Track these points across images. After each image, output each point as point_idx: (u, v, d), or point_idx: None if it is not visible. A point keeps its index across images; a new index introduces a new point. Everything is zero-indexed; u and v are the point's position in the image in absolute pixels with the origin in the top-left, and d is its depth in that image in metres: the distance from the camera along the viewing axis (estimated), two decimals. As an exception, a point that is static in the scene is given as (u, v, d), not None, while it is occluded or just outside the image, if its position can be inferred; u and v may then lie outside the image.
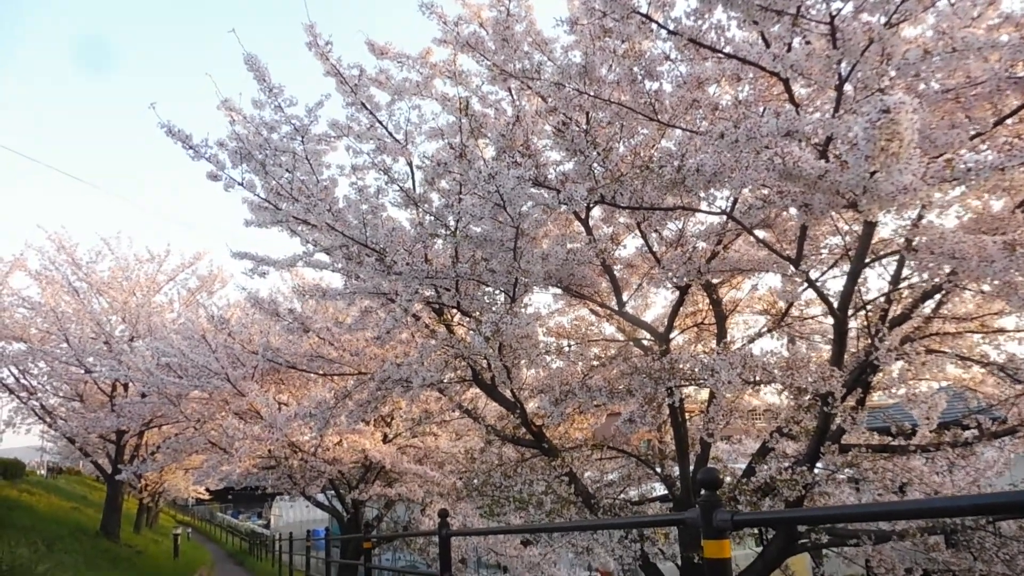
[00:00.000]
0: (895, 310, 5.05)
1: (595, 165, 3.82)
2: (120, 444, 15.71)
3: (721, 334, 6.27)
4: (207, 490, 28.76)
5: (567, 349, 5.85)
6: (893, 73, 3.08)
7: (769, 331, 6.41)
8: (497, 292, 4.85)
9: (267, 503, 42.64)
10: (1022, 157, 2.68)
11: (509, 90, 5.42)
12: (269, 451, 12.17)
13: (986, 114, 3.90)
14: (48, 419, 15.40)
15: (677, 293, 5.74)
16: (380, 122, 5.79)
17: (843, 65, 2.99)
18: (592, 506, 5.78)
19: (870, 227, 4.27)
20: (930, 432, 5.44)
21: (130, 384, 14.92)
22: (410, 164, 5.86)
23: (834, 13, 2.83)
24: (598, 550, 5.17)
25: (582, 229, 5.42)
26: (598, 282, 5.58)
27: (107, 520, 15.79)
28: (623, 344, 6.52)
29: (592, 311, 6.88)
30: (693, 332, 7.23)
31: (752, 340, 6.46)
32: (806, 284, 4.40)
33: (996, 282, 3.43)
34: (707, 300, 6.57)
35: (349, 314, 7.52)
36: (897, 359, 4.35)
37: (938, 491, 5.54)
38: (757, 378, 4.34)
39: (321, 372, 7.77)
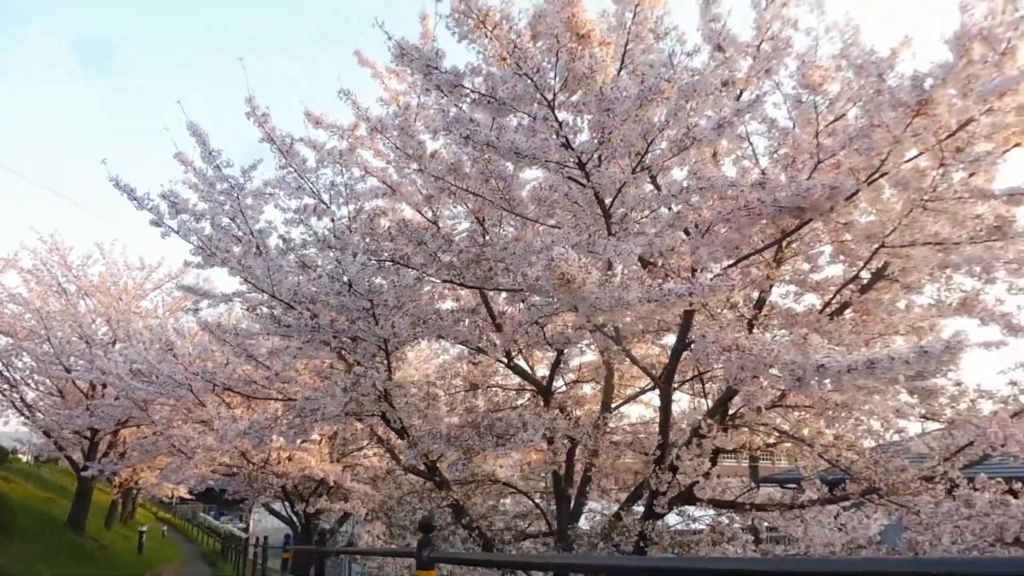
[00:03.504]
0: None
1: (441, 252, 4.58)
2: (94, 441, 16.47)
3: (608, 389, 7.00)
4: (190, 491, 29.43)
5: (443, 396, 6.61)
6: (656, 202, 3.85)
7: (651, 389, 7.13)
8: (371, 346, 5.60)
9: (248, 507, 43.11)
10: (700, 289, 3.40)
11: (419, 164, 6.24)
12: (230, 459, 12.96)
13: (771, 232, 4.67)
14: (26, 412, 16.20)
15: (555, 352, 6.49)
16: (308, 184, 6.60)
17: (606, 198, 3.75)
18: (472, 535, 6.49)
19: (688, 315, 5.01)
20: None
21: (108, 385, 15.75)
22: (333, 222, 6.67)
23: (584, 160, 3.60)
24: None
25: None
26: (483, 336, 6.32)
27: (75, 513, 16.52)
28: (517, 390, 7.27)
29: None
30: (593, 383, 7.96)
31: (634, 397, 7.20)
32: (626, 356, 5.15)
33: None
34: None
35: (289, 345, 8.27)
36: (700, 436, 5.06)
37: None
38: (570, 437, 5.07)
39: (254, 395, 8.52)
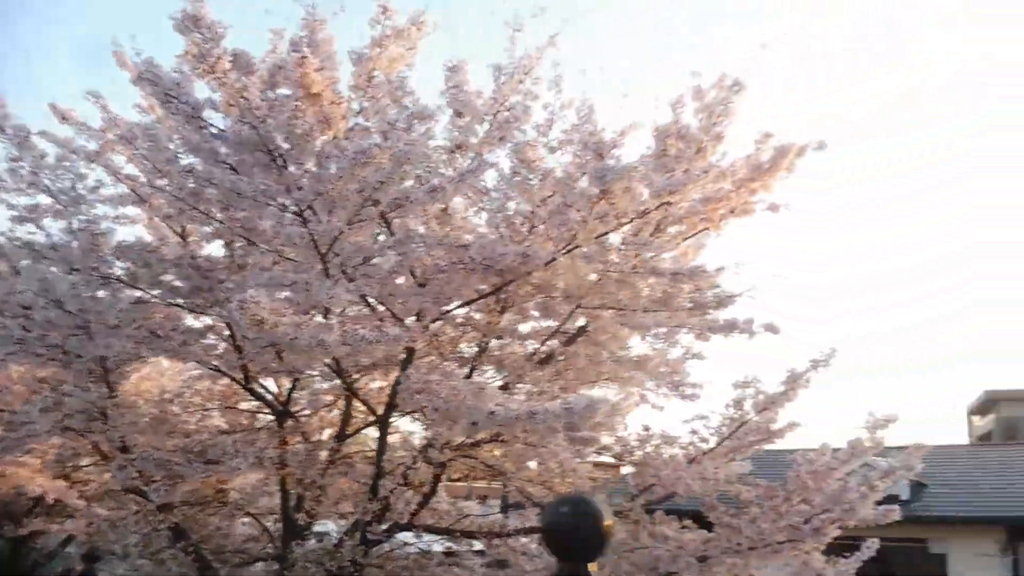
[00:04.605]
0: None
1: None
2: None
3: (346, 416, 7.25)
4: None
5: (180, 414, 6.56)
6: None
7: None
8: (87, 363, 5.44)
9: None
10: (386, 337, 3.88)
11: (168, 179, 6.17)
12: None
13: (483, 285, 5.27)
14: None
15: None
16: (45, 182, 6.25)
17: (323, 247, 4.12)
18: (190, 559, 6.39)
19: (409, 354, 5.45)
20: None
21: None
22: (72, 228, 6.34)
23: (301, 209, 3.96)
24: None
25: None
26: (221, 356, 6.32)
27: None
28: (255, 412, 7.32)
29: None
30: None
31: (368, 425, 7.53)
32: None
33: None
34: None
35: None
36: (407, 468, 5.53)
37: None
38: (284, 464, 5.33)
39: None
